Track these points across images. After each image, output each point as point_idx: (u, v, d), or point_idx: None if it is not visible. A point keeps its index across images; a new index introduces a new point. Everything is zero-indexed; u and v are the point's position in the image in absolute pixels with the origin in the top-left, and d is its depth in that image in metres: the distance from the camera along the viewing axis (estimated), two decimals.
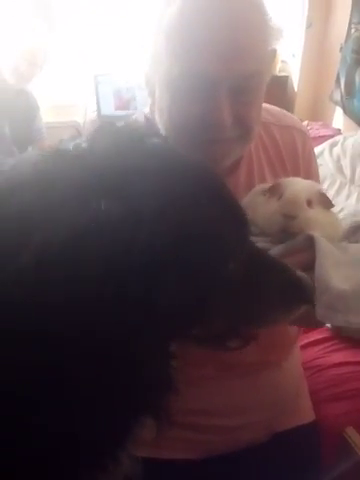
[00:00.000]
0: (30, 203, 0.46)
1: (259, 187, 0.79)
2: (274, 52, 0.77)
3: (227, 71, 0.68)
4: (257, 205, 0.75)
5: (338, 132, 2.49)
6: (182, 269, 0.47)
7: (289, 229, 0.71)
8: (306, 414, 0.98)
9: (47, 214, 0.45)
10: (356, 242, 0.76)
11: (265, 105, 0.96)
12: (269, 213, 0.73)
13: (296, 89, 2.83)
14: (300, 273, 0.62)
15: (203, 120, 0.71)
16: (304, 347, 1.26)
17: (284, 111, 0.97)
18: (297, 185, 0.75)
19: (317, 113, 2.79)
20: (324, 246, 0.68)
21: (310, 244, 0.68)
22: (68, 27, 2.74)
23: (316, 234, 0.69)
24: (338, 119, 2.62)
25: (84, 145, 0.53)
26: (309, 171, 0.91)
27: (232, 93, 0.70)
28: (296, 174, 0.88)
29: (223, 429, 0.86)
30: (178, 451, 0.86)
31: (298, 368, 1.00)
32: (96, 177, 0.47)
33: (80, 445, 0.51)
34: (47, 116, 2.67)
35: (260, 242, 0.70)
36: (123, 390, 0.48)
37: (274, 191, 0.74)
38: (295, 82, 2.83)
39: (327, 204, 0.75)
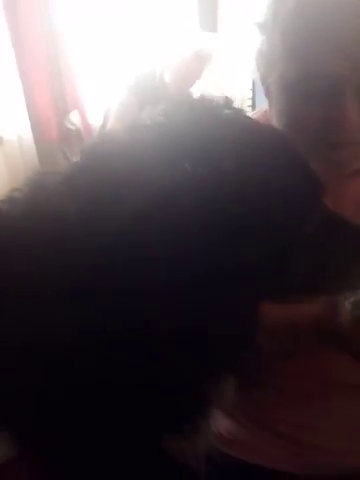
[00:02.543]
0: (118, 170, 0.51)
1: None
2: None
3: (354, 70, 0.62)
4: None
5: None
6: (263, 225, 0.51)
7: None
8: None
9: (136, 177, 0.50)
10: None
11: None
12: None
13: None
14: None
15: (326, 123, 0.66)
16: None
17: None
18: None
19: None
20: None
21: None
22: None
23: None
24: None
25: (161, 118, 0.57)
26: None
27: (357, 93, 0.64)
28: None
29: (328, 450, 0.81)
30: (279, 462, 0.83)
31: None
32: (176, 144, 0.52)
33: (162, 406, 0.57)
34: None
35: None
36: (207, 343, 0.53)
37: None
38: None
39: None
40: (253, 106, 2.74)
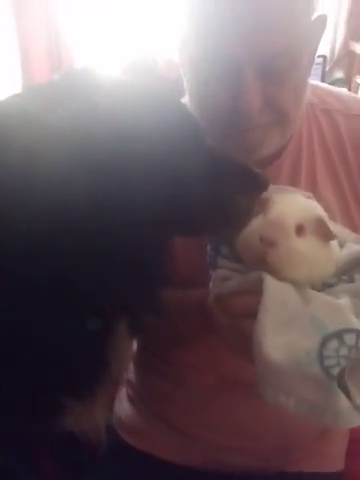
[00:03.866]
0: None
1: (273, 188, 0.64)
2: (322, 19, 0.68)
3: (250, 52, 0.63)
4: None
5: None
6: (157, 161, 0.56)
7: (266, 259, 0.57)
8: (331, 462, 0.87)
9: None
10: (349, 281, 0.59)
11: (333, 89, 0.88)
12: (247, 233, 0.60)
13: None
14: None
15: (230, 106, 0.67)
16: None
17: None
18: (289, 204, 0.60)
19: None
20: (272, 296, 0.54)
21: (260, 287, 0.56)
22: None
23: (267, 276, 0.56)
24: None
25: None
26: None
27: (260, 75, 0.65)
28: None
29: (216, 446, 0.81)
30: (173, 455, 0.83)
31: None
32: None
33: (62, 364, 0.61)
34: None
35: (225, 268, 0.62)
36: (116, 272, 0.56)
37: (261, 207, 0.60)
38: None
39: (325, 235, 0.58)
40: None
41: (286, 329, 0.54)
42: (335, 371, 0.51)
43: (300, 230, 0.57)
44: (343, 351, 0.52)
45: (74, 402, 0.68)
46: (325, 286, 0.59)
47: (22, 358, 0.60)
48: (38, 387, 0.63)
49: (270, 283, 0.55)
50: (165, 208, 0.57)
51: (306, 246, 0.57)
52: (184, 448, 0.82)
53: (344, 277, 0.59)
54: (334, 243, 0.61)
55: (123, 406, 0.89)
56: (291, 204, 0.60)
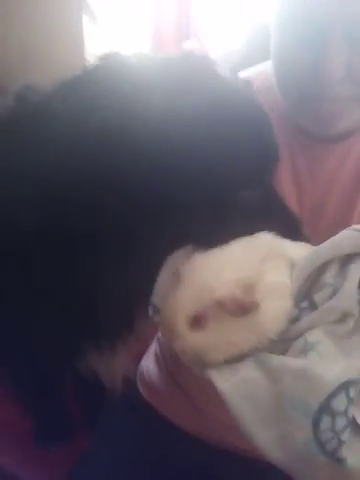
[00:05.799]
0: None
1: None
2: None
3: (341, 11, 0.61)
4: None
5: None
6: (205, 170, 0.54)
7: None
8: None
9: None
10: (310, 308, 0.51)
11: None
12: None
13: None
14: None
15: (311, 71, 0.65)
16: None
17: None
18: (188, 287, 0.51)
19: None
20: (235, 398, 0.48)
21: None
22: None
23: (217, 378, 0.49)
24: None
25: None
26: None
27: (347, 41, 0.62)
28: None
29: (223, 424, 0.76)
30: (183, 421, 0.84)
31: None
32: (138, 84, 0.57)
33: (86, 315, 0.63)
34: None
35: None
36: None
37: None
38: None
39: (242, 309, 0.49)
40: None
41: (271, 422, 0.47)
42: (341, 452, 0.46)
43: (197, 321, 0.50)
44: (340, 423, 0.46)
45: (93, 349, 0.71)
46: (289, 322, 0.51)
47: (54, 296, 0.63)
48: (61, 326, 0.66)
49: (224, 386, 0.49)
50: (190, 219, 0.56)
51: (206, 338, 0.50)
52: (192, 418, 0.82)
53: (304, 304, 0.51)
54: (278, 293, 0.51)
55: (148, 360, 0.90)
56: (190, 287, 0.51)
